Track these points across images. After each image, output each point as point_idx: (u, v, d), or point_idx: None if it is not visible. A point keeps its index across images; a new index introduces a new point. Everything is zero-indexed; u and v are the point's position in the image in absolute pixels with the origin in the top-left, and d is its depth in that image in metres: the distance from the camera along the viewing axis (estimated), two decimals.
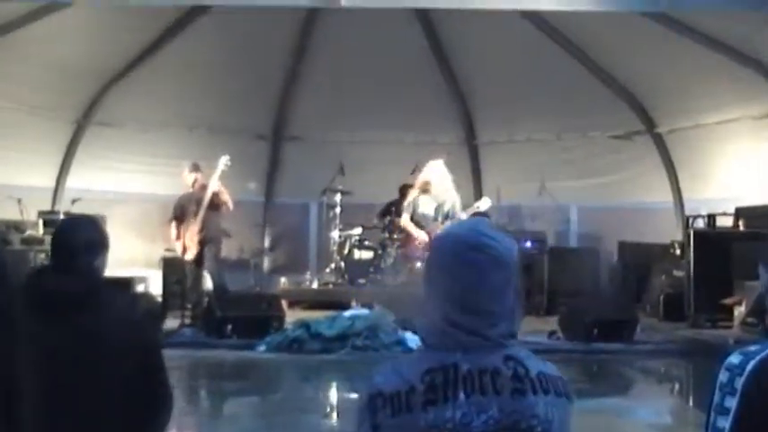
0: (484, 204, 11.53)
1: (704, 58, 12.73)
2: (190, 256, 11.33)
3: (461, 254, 2.11)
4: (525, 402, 2.06)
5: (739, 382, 2.00)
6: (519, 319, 2.16)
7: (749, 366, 2.01)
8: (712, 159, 13.99)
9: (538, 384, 2.09)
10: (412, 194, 11.30)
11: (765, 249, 9.34)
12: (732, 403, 2.00)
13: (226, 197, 11.38)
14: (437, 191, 11.10)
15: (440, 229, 10.98)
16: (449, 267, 2.12)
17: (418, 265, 10.92)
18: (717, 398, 2.05)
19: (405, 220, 11.23)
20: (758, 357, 2.02)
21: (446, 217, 11.08)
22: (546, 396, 2.09)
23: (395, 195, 14.84)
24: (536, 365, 2.12)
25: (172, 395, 3.20)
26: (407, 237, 11.26)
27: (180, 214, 11.46)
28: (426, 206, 11.11)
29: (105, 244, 3.28)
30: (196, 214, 11.26)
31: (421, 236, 10.92)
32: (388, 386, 2.07)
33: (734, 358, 2.06)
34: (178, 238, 11.42)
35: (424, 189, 11.11)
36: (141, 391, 2.99)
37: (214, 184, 11.27)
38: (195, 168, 11.60)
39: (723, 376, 2.06)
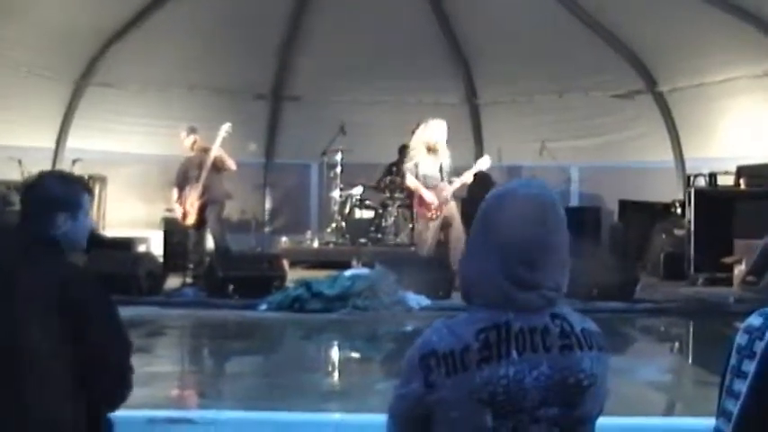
0: (484, 163, 11.51)
1: (706, 16, 12.65)
2: (190, 221, 11.34)
3: (524, 206, 2.15)
4: (573, 358, 2.12)
5: (759, 346, 1.94)
6: (567, 275, 2.21)
7: None
8: (714, 118, 13.95)
9: (583, 340, 2.15)
10: (416, 154, 11.20)
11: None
12: (750, 367, 1.94)
13: (228, 162, 11.38)
14: (441, 151, 11.08)
15: (443, 188, 10.99)
16: (512, 221, 2.14)
17: (430, 225, 10.90)
18: (734, 360, 1.99)
19: (412, 181, 11.12)
20: None
21: (443, 177, 11.06)
22: (590, 351, 2.15)
23: (395, 156, 14.83)
24: (579, 322, 2.19)
25: (117, 363, 2.98)
26: (420, 198, 11.08)
27: (182, 180, 11.46)
28: (429, 167, 11.08)
29: (67, 203, 3.17)
30: (198, 178, 11.25)
31: (431, 197, 10.87)
32: (443, 345, 2.10)
33: (754, 320, 2.00)
34: (179, 203, 11.41)
35: (431, 149, 11.06)
36: (74, 356, 2.82)
37: (215, 151, 11.25)
38: (192, 131, 11.58)
39: (741, 338, 2.00)
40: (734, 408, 1.94)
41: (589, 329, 2.19)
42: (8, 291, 2.60)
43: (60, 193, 3.12)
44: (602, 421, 4.71)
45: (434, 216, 10.95)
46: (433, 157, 11.08)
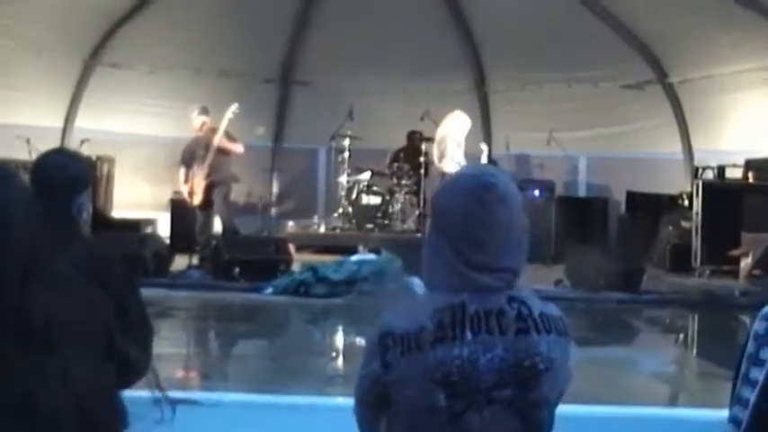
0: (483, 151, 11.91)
1: (717, 7, 12.59)
2: (196, 201, 11.36)
3: (472, 193, 2.17)
4: (529, 341, 2.13)
5: None
6: (524, 258, 2.22)
7: None
8: (723, 110, 13.90)
9: (540, 324, 2.16)
10: (448, 144, 11.49)
11: None
12: None
13: (233, 145, 11.38)
14: (463, 144, 11.48)
15: None
16: (461, 207, 2.18)
17: None
18: (751, 348, 1.97)
19: (449, 166, 11.57)
20: None
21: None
22: (548, 335, 2.16)
23: (404, 142, 14.83)
24: (538, 306, 2.20)
25: (142, 341, 3.08)
26: None
27: (189, 159, 11.47)
28: (458, 156, 11.73)
29: (85, 182, 3.20)
30: (204, 158, 11.27)
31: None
32: (399, 326, 2.14)
33: None
34: (186, 182, 11.43)
35: (459, 143, 11.45)
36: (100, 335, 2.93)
37: (222, 132, 11.27)
38: (204, 111, 11.58)
39: (760, 326, 1.97)
40: (751, 395, 1.92)
41: (549, 314, 2.19)
42: (40, 272, 2.62)
43: (80, 173, 3.15)
44: (606, 411, 4.72)
45: None
46: (459, 148, 11.46)
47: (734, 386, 2.00)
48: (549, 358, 2.14)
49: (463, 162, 11.48)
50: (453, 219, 2.18)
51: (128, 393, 3.01)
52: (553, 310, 2.23)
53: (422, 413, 2.11)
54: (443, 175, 11.78)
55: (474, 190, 2.17)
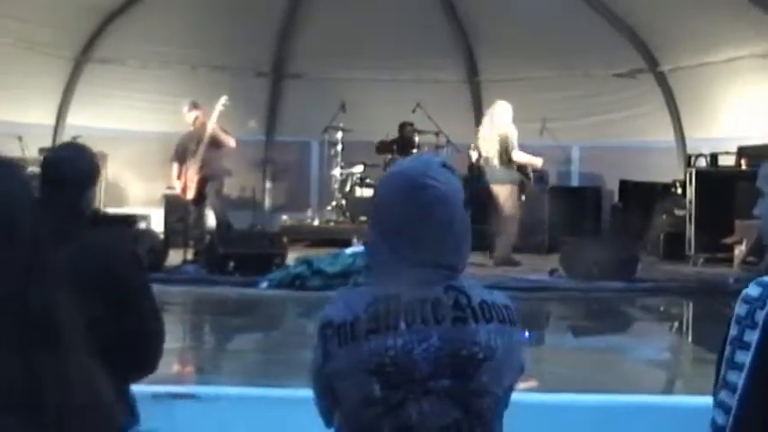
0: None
1: None
2: (190, 195, 11.34)
3: (404, 192, 2.17)
4: (466, 330, 2.11)
5: (761, 315, 1.91)
6: (466, 253, 2.22)
7: None
8: (715, 98, 13.92)
9: (479, 312, 2.13)
10: (508, 133, 11.96)
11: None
12: (753, 337, 1.90)
13: (224, 137, 11.36)
14: None
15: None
16: (395, 204, 2.18)
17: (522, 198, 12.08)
18: (735, 331, 1.95)
19: (522, 155, 12.10)
20: None
21: None
22: (488, 324, 2.13)
23: (396, 133, 14.81)
24: (479, 294, 2.17)
25: (156, 334, 3.18)
26: (534, 169, 12.36)
27: (181, 153, 11.45)
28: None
29: (93, 176, 3.23)
30: (196, 153, 11.26)
31: (538, 161, 12.26)
32: (338, 317, 2.14)
33: (752, 290, 1.97)
34: (179, 177, 11.42)
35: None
36: (116, 329, 2.96)
37: (212, 125, 11.25)
38: (194, 106, 11.56)
39: (741, 309, 1.96)
40: (738, 379, 1.91)
41: (491, 302, 2.17)
42: (45, 268, 2.65)
43: (91, 169, 3.18)
44: (603, 398, 4.74)
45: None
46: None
47: (717, 371, 1.99)
48: (489, 347, 2.11)
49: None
50: (390, 217, 2.18)
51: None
52: (498, 298, 2.21)
53: (359, 404, 2.11)
54: (520, 166, 12.11)
55: (410, 190, 2.16)
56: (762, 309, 1.91)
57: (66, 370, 1.31)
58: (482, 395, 2.12)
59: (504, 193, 11.86)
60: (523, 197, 12.14)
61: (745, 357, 1.91)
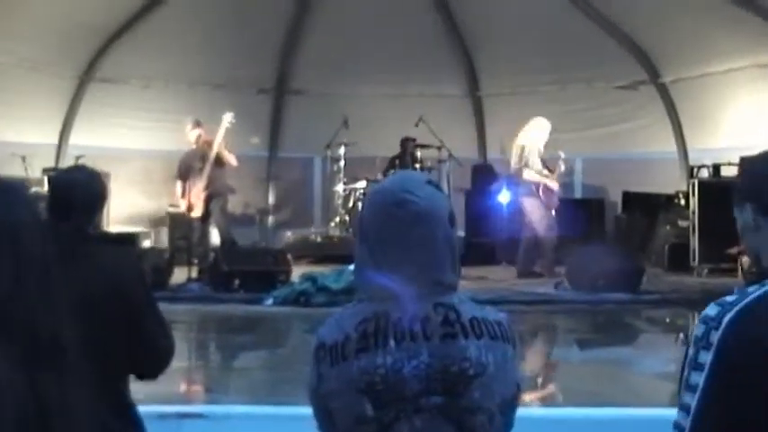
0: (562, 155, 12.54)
1: (710, 6, 12.61)
2: (196, 213, 11.36)
3: (385, 209, 2.18)
4: (455, 347, 2.10)
5: (715, 336, 1.87)
6: (454, 269, 2.20)
7: (726, 319, 1.87)
8: (717, 109, 13.92)
9: (469, 328, 2.13)
10: (531, 151, 11.84)
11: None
12: (707, 358, 1.87)
13: (228, 155, 11.39)
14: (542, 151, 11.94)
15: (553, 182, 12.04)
16: (375, 222, 2.19)
17: (552, 212, 11.96)
18: (691, 352, 1.92)
19: (532, 175, 11.87)
20: (735, 309, 1.89)
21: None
22: (478, 340, 2.12)
23: (398, 149, 14.82)
24: (469, 310, 2.16)
25: (166, 351, 3.23)
26: (545, 188, 11.94)
27: (185, 172, 11.47)
28: (538, 164, 11.95)
29: (103, 199, 3.26)
30: (201, 171, 11.28)
31: (556, 186, 11.96)
32: (330, 337, 2.15)
33: (710, 310, 1.93)
34: (183, 196, 11.44)
35: (539, 150, 11.74)
36: (124, 345, 3.02)
37: (219, 142, 11.28)
38: (197, 124, 11.61)
39: (698, 330, 1.92)
40: (691, 400, 1.88)
41: (481, 318, 2.16)
42: (52, 288, 2.68)
43: (100, 193, 3.21)
44: (608, 412, 4.73)
45: (554, 204, 12.02)
46: (538, 156, 11.96)
47: (679, 391, 1.96)
48: (480, 363, 2.10)
49: (540, 167, 11.89)
50: (373, 233, 2.19)
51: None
52: (489, 314, 2.19)
53: (353, 424, 2.11)
54: (528, 182, 12.00)
55: (389, 206, 2.16)
56: (716, 330, 1.88)
57: (69, 393, 1.31)
58: (474, 412, 2.10)
59: (528, 205, 11.94)
60: (552, 211, 12.05)
61: (699, 378, 1.88)
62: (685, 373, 1.94)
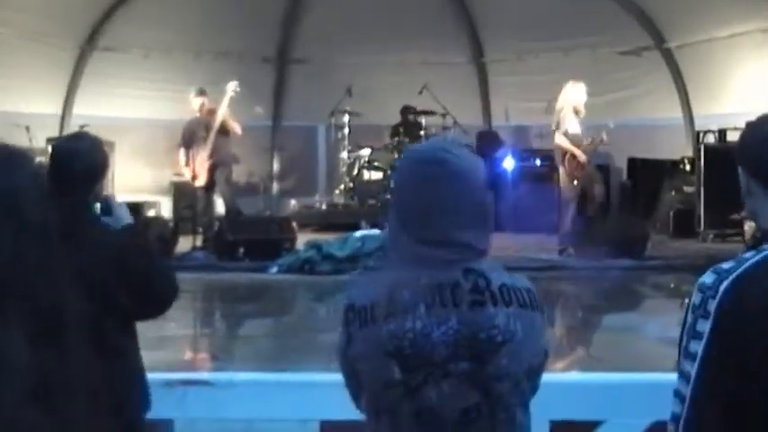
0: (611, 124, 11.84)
1: None
2: (200, 182, 11.34)
3: (420, 168, 2.17)
4: (484, 314, 2.11)
5: (712, 305, 1.87)
6: (486, 234, 2.20)
7: (722, 287, 1.87)
8: (723, 74, 13.84)
9: (498, 296, 2.13)
10: (565, 115, 11.31)
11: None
12: (705, 327, 1.87)
13: (232, 123, 11.35)
14: (581, 115, 11.33)
15: (590, 149, 11.37)
16: (409, 182, 2.19)
17: (575, 183, 11.25)
18: (689, 320, 1.92)
19: (562, 140, 11.30)
20: (731, 277, 1.88)
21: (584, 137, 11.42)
22: (507, 308, 2.12)
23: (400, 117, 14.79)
24: (499, 278, 2.16)
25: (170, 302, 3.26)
26: (571, 157, 11.26)
27: (188, 140, 11.44)
28: (575, 127, 11.30)
29: (104, 168, 3.24)
30: (205, 139, 11.25)
31: (582, 156, 11.18)
32: (360, 300, 2.16)
33: (707, 278, 1.93)
34: (187, 164, 11.41)
35: (577, 111, 11.31)
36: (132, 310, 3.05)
37: (223, 110, 11.24)
38: (201, 93, 11.56)
39: (696, 298, 1.92)
40: (691, 368, 1.88)
41: (510, 285, 2.16)
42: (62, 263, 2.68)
43: (101, 162, 3.19)
44: (612, 377, 4.73)
45: (580, 174, 11.30)
46: (577, 118, 11.31)
47: (679, 359, 1.95)
48: (509, 330, 2.10)
49: (578, 131, 11.34)
50: (405, 194, 2.19)
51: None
52: (518, 281, 2.19)
53: (380, 387, 2.12)
54: (557, 146, 11.58)
55: (426, 165, 2.16)
56: (713, 298, 1.88)
57: (70, 365, 1.30)
58: (501, 378, 2.12)
59: (562, 171, 11.62)
60: (575, 182, 11.38)
61: (698, 347, 1.88)
62: (684, 341, 1.93)
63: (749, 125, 2.15)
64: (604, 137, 11.53)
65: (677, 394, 1.92)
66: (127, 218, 3.26)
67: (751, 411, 1.86)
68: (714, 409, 1.87)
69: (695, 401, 1.88)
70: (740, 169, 2.05)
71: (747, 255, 1.94)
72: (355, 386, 2.24)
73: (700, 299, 1.91)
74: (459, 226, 2.14)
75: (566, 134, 11.21)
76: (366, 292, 2.17)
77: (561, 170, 11.52)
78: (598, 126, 11.93)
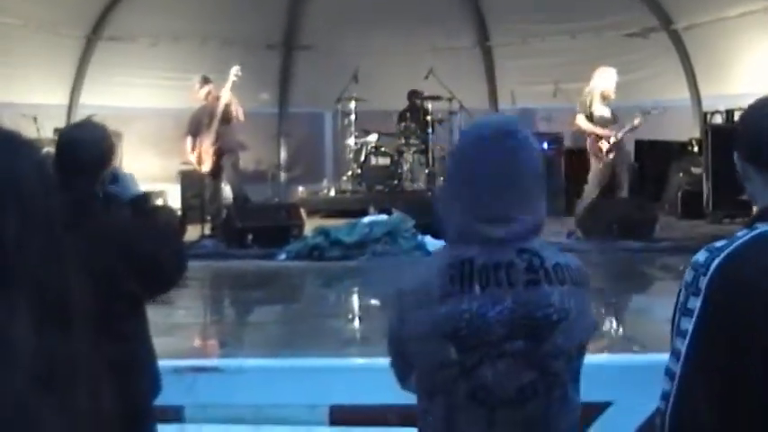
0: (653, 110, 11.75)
1: None
2: (206, 168, 11.36)
3: (493, 135, 2.18)
4: (539, 293, 2.13)
5: (703, 282, 1.89)
6: (542, 211, 2.21)
7: (713, 265, 1.89)
8: (731, 54, 13.77)
9: (553, 275, 2.15)
10: (591, 99, 11.38)
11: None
12: (696, 304, 1.89)
13: (236, 108, 11.34)
14: (610, 99, 11.40)
15: (621, 131, 11.35)
16: (473, 155, 2.19)
17: (601, 165, 11.22)
18: (682, 298, 1.94)
19: (582, 121, 11.37)
20: (723, 254, 1.90)
21: (615, 121, 11.41)
22: (562, 286, 2.15)
23: (407, 102, 14.77)
24: (552, 256, 2.19)
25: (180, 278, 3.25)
26: (594, 137, 11.29)
27: (195, 127, 11.46)
28: (602, 110, 11.36)
29: (110, 156, 3.24)
30: (209, 126, 11.26)
31: (607, 132, 11.19)
32: (412, 282, 2.18)
33: (699, 256, 1.95)
34: (193, 150, 11.43)
35: (605, 96, 11.31)
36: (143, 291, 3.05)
37: (225, 96, 11.24)
38: (205, 81, 11.58)
39: (688, 275, 1.95)
40: (682, 346, 1.89)
41: (563, 264, 2.19)
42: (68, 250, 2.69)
43: (107, 149, 3.18)
44: (621, 359, 4.73)
45: (606, 156, 11.25)
46: (606, 102, 11.40)
47: (672, 337, 1.97)
48: (563, 309, 2.13)
49: (605, 114, 11.37)
50: (468, 162, 2.18)
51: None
52: (570, 260, 2.23)
53: (435, 368, 2.14)
54: (576, 127, 11.66)
55: (497, 134, 2.17)
56: (705, 276, 1.89)
57: (76, 352, 1.31)
58: (556, 356, 2.14)
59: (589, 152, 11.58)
60: (600, 164, 11.27)
61: (689, 324, 1.89)
62: (676, 318, 1.95)
63: (745, 110, 2.16)
64: (635, 122, 11.49)
65: (667, 372, 1.94)
66: (134, 188, 3.26)
67: (740, 388, 1.86)
68: (703, 385, 1.88)
69: (684, 378, 1.89)
70: (735, 154, 2.06)
71: (740, 233, 1.95)
72: (403, 367, 2.27)
73: (692, 276, 1.93)
74: (516, 200, 2.15)
75: (591, 117, 11.21)
76: (419, 275, 2.18)
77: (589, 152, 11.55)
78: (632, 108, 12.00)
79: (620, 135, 11.37)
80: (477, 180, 2.15)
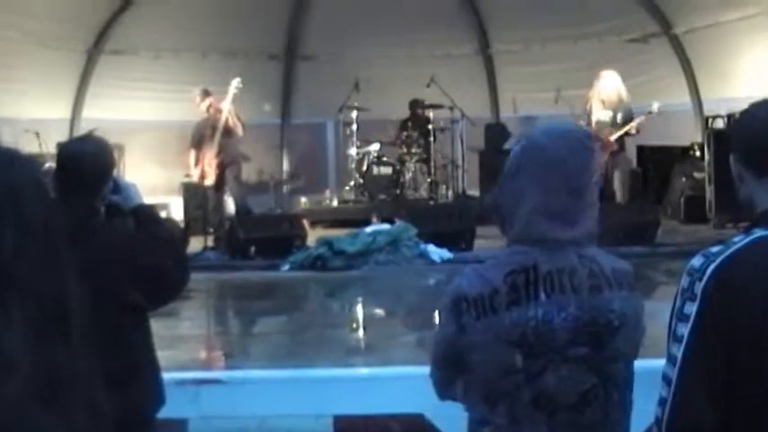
0: (655, 107, 11.62)
1: None
2: (209, 181, 11.37)
3: (565, 140, 2.21)
4: (602, 298, 2.16)
5: (699, 287, 1.89)
6: (594, 224, 2.23)
7: (709, 270, 1.89)
8: (731, 57, 13.78)
9: (613, 280, 2.19)
10: (589, 104, 11.46)
11: None
12: (692, 309, 1.89)
13: (234, 122, 11.36)
14: (612, 102, 11.36)
15: (615, 134, 11.31)
16: (552, 153, 2.19)
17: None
18: (678, 303, 1.94)
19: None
20: (718, 260, 1.90)
21: (622, 123, 11.36)
22: (620, 291, 2.19)
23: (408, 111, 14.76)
24: (609, 262, 2.22)
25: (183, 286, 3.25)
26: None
27: (197, 140, 11.48)
28: (601, 114, 11.40)
29: (110, 172, 3.25)
30: (212, 138, 11.28)
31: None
32: (473, 289, 2.16)
33: (695, 261, 1.95)
34: (197, 164, 11.45)
35: (604, 101, 11.31)
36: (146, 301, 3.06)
37: (226, 108, 11.26)
38: (206, 94, 11.60)
39: (684, 281, 1.94)
40: (678, 351, 1.89)
41: (620, 269, 2.22)
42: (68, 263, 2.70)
43: (108, 164, 3.19)
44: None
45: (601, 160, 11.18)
46: (607, 107, 11.45)
47: (668, 343, 1.97)
48: (623, 314, 2.17)
49: (605, 119, 11.39)
50: (548, 164, 2.18)
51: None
52: (623, 265, 2.26)
53: (499, 375, 2.14)
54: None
55: (574, 140, 2.21)
56: (700, 281, 1.89)
57: (75, 363, 1.31)
58: (617, 361, 2.17)
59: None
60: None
61: (684, 330, 1.89)
62: (672, 324, 1.94)
63: (740, 114, 2.17)
64: (634, 124, 11.49)
65: (664, 377, 1.93)
66: (136, 197, 3.27)
67: (735, 393, 1.86)
68: (699, 390, 1.88)
69: (681, 383, 1.89)
70: (731, 157, 2.07)
71: (736, 238, 1.96)
72: (449, 376, 2.27)
73: (688, 282, 1.93)
74: (585, 205, 2.18)
75: (589, 122, 11.22)
76: (480, 282, 2.17)
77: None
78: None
79: (612, 138, 11.31)
80: (549, 178, 2.16)
